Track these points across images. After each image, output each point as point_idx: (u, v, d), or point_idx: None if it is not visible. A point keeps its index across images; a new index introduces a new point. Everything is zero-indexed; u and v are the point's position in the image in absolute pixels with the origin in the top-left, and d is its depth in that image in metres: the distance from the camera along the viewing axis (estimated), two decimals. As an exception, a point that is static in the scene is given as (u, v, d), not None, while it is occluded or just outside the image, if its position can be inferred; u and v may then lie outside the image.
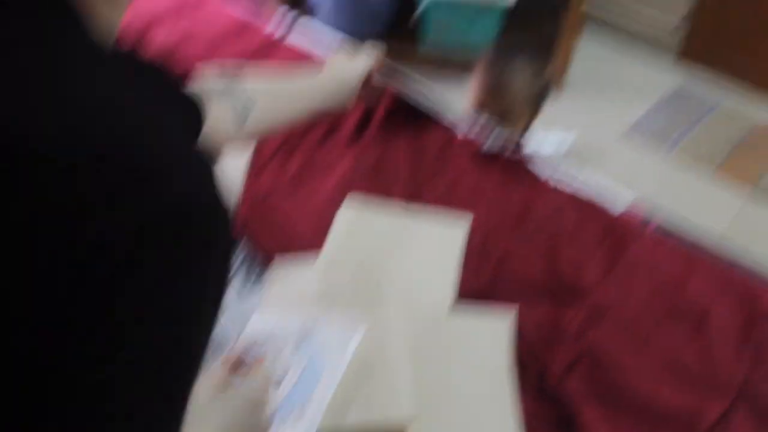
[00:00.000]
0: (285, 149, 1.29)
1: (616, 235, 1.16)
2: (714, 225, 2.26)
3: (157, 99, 0.60)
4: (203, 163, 0.46)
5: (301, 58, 1.51)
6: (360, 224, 1.15)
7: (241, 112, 1.02)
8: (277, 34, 1.59)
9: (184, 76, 0.85)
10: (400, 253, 1.10)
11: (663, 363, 0.97)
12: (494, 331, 1.00)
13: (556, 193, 1.23)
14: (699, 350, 0.99)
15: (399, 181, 1.23)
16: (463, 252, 1.11)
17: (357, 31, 2.74)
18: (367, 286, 1.04)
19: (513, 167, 1.26)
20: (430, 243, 1.12)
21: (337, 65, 1.21)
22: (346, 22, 2.70)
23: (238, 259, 1.11)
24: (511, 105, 1.48)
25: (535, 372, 0.96)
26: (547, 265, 1.10)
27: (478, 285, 1.06)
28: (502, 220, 1.17)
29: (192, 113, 0.83)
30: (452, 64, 2.76)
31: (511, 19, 2.93)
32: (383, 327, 0.98)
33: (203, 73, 1.01)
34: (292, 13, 1.67)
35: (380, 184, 1.22)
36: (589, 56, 2.99)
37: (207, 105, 0.86)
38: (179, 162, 0.44)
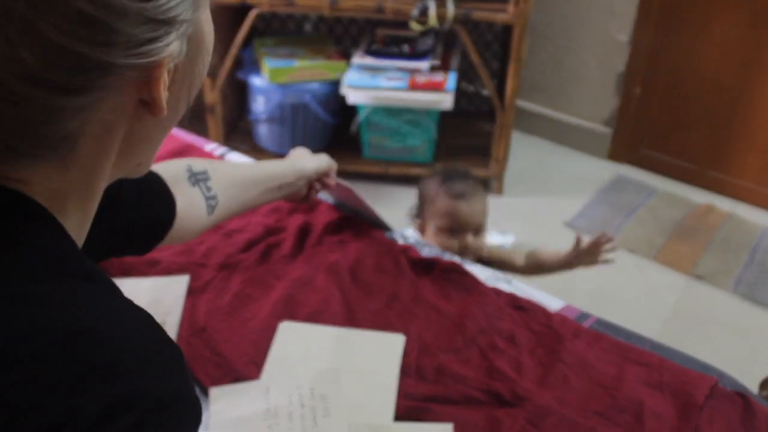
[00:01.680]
0: (223, 273, 1.30)
1: (553, 336, 1.18)
2: (657, 310, 2.31)
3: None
4: (169, 356, 0.48)
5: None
6: (299, 342, 1.16)
7: (207, 203, 1.07)
8: (218, 153, 1.63)
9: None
10: (341, 366, 1.11)
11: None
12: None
13: (493, 297, 1.25)
14: (639, 447, 1.00)
15: (335, 297, 1.24)
16: (400, 362, 1.12)
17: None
18: (312, 402, 1.04)
19: (449, 273, 1.29)
20: (370, 354, 1.13)
21: (298, 156, 1.30)
22: (288, 141, 2.76)
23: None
24: (472, 227, 1.66)
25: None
26: (485, 372, 1.11)
27: (417, 396, 1.07)
28: (440, 329, 1.19)
29: (165, 210, 0.96)
30: (394, 171, 2.83)
31: (448, 122, 3.04)
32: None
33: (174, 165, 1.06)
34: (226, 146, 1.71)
35: (318, 302, 1.23)
36: (524, 158, 3.10)
37: (179, 194, 0.99)
38: (141, 355, 0.45)
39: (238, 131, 3.04)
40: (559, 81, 3.13)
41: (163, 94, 0.51)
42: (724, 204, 2.88)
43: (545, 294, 1.30)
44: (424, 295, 1.25)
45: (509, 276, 1.34)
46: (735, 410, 1.07)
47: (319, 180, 1.30)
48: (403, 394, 1.07)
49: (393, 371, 1.11)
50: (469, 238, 1.65)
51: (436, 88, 2.58)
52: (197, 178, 1.06)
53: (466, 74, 3.17)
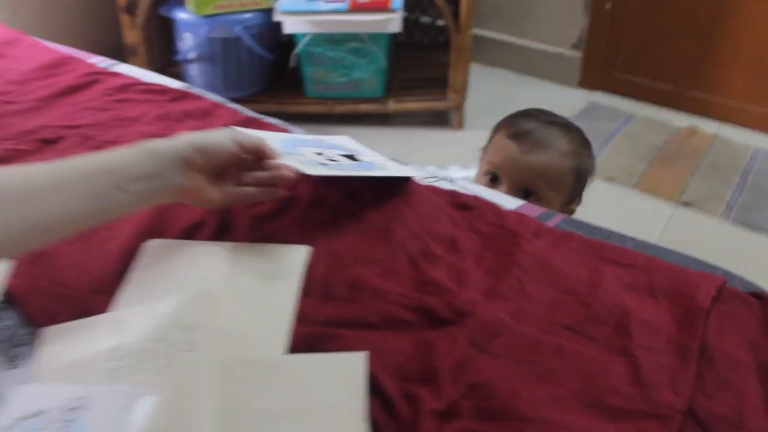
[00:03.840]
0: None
1: (506, 236, 0.90)
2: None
3: None
4: None
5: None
6: (168, 263, 0.86)
7: None
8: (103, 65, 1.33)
9: None
10: (219, 288, 0.82)
11: (579, 391, 0.70)
12: (343, 376, 0.72)
13: (429, 195, 0.97)
14: (625, 367, 0.72)
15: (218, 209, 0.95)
16: (302, 279, 0.83)
17: (234, 89, 2.49)
18: (172, 334, 0.75)
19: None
20: (260, 272, 0.84)
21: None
22: (222, 82, 2.46)
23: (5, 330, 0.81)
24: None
25: (406, 424, 0.68)
26: (415, 285, 0.83)
27: (321, 319, 0.78)
28: (358, 239, 0.90)
29: None
30: (340, 109, 2.53)
31: (401, 54, 2.74)
32: (187, 389, 0.70)
33: None
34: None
35: (199, 215, 0.94)
36: (486, 90, 2.81)
37: None
38: None
39: (166, 75, 2.72)
40: (520, 3, 2.83)
41: None
42: (708, 126, 2.61)
43: (498, 194, 1.02)
44: (338, 203, 0.96)
45: (452, 175, 1.06)
46: (751, 314, 0.80)
47: (250, 165, 0.89)
48: (302, 318, 0.79)
49: (290, 291, 0.82)
50: (507, 192, 1.23)
51: (380, 7, 2.27)
52: None
53: (418, 2, 2.86)
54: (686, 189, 2.28)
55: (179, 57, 2.53)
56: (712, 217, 2.16)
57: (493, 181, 1.29)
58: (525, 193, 1.25)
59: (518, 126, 1.29)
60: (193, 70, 2.53)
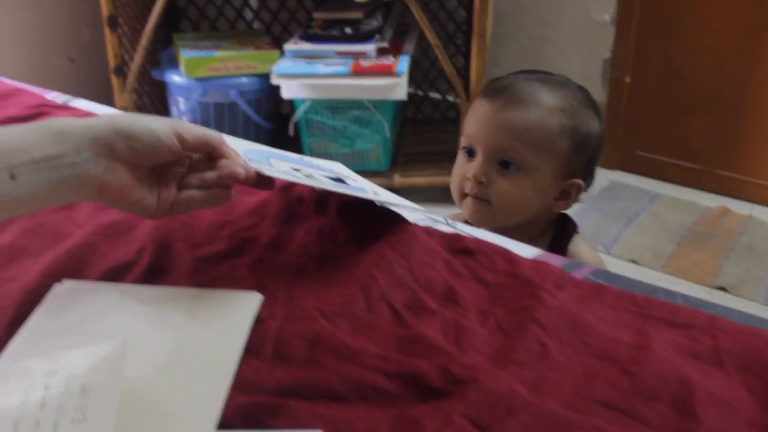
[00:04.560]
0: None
1: (521, 287, 0.69)
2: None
3: None
4: None
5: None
6: (79, 309, 0.66)
7: None
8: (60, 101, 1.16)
9: None
10: (138, 342, 0.61)
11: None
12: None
13: (423, 237, 0.76)
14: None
15: (158, 245, 0.75)
16: (247, 334, 0.62)
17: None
18: (62, 398, 0.54)
19: (357, 213, 0.81)
20: (197, 324, 0.64)
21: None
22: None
23: None
24: None
25: None
26: (399, 343, 0.62)
27: (268, 386, 0.57)
28: (326, 285, 0.69)
29: None
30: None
31: (407, 128, 2.59)
32: None
33: None
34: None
35: (130, 253, 0.74)
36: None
37: None
38: None
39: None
40: (536, 77, 2.69)
41: None
42: (739, 206, 2.41)
43: (511, 242, 0.81)
44: (307, 238, 0.76)
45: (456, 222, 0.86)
46: None
47: (198, 166, 0.69)
48: (243, 385, 0.57)
49: (230, 350, 0.61)
50: (477, 166, 1.02)
51: (384, 71, 2.12)
52: None
53: (427, 76, 2.72)
54: (720, 272, 2.06)
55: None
56: (751, 303, 1.93)
57: (470, 155, 1.05)
58: (503, 164, 1.01)
59: (495, 83, 1.05)
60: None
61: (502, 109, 1.00)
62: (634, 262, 2.12)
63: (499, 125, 1.00)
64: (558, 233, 1.09)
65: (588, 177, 1.07)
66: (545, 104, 1.00)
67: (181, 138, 0.65)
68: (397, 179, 2.35)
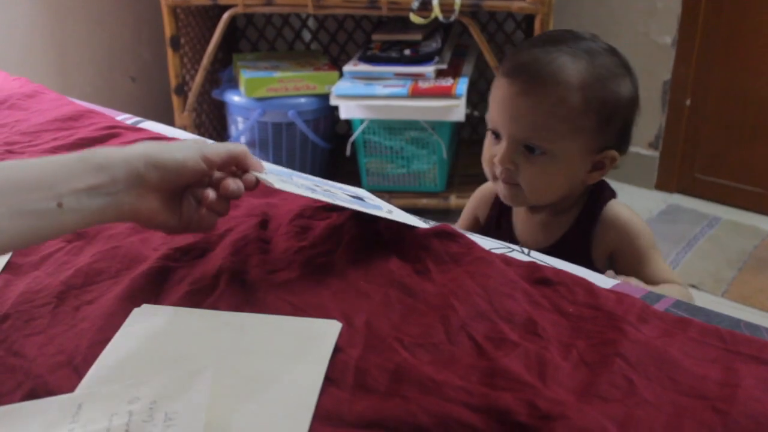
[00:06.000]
0: (77, 243, 0.83)
1: (603, 320, 0.68)
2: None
3: None
4: None
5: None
6: (159, 334, 0.67)
7: None
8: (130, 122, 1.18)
9: None
10: (220, 368, 0.61)
11: None
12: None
13: (500, 266, 0.76)
14: None
15: (238, 269, 0.76)
16: (327, 363, 0.62)
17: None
18: (144, 424, 0.55)
19: (432, 238, 0.80)
20: (276, 351, 0.64)
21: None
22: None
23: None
24: None
25: None
26: (482, 375, 0.61)
27: (351, 417, 0.57)
28: (404, 314, 0.69)
29: None
30: (398, 203, 2.35)
31: (463, 149, 2.59)
32: None
33: None
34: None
35: (209, 276, 0.75)
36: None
37: None
38: None
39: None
40: (593, 99, 2.67)
41: None
42: (804, 232, 2.35)
43: (589, 272, 0.80)
44: (383, 266, 0.76)
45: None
46: None
47: (224, 179, 0.73)
48: (325, 415, 0.57)
49: (312, 377, 0.61)
50: (503, 152, 0.98)
51: (443, 93, 2.12)
52: None
53: (483, 97, 2.72)
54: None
55: (231, 142, 2.41)
56: (817, 333, 1.88)
57: (497, 137, 1.01)
58: (528, 148, 0.97)
59: (515, 58, 1.01)
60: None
61: (521, 93, 0.96)
62: (693, 287, 2.08)
63: (519, 113, 0.97)
64: (591, 200, 1.07)
65: (623, 144, 1.04)
66: (567, 81, 0.95)
67: (207, 160, 0.70)
68: (453, 200, 2.34)
